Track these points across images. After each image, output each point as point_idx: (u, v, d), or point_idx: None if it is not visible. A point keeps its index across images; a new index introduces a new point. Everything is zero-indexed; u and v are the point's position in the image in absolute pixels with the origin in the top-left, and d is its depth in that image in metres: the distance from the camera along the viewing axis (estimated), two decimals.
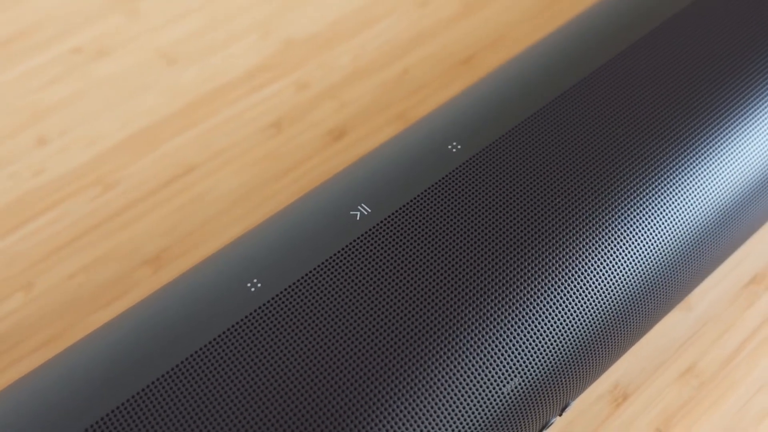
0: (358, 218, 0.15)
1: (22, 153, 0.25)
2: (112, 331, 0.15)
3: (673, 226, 0.16)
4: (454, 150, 0.16)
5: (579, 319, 0.15)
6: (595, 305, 0.15)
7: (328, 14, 0.28)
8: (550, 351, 0.14)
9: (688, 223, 0.16)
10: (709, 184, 0.17)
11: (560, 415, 0.16)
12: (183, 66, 0.27)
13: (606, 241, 0.15)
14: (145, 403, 0.13)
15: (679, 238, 0.16)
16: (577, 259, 0.15)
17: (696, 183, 0.17)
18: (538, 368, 0.14)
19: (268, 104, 0.26)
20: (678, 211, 0.16)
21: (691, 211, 0.16)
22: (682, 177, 0.16)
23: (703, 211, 0.17)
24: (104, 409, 0.13)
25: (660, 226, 0.16)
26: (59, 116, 0.26)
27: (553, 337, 0.14)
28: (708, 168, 0.17)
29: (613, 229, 0.16)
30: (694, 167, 0.17)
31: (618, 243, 0.16)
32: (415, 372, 0.13)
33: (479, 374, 0.14)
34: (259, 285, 0.14)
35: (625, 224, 0.16)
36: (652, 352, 0.20)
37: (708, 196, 0.17)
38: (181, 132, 0.25)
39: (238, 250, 0.15)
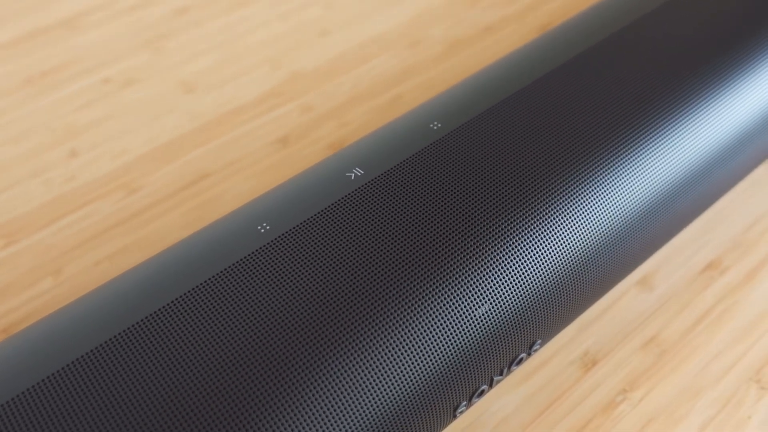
0: (352, 178, 0.18)
1: (56, 164, 0.28)
2: (129, 271, 0.17)
3: (627, 195, 0.19)
4: (434, 127, 0.19)
5: (545, 263, 0.17)
6: (560, 252, 0.18)
7: (330, 52, 0.32)
8: (516, 286, 0.17)
9: (641, 193, 0.19)
10: (661, 163, 0.20)
11: (528, 354, 0.18)
12: (201, 93, 0.30)
13: (571, 200, 0.18)
14: (155, 327, 0.15)
15: (634, 205, 0.19)
16: (540, 212, 0.18)
17: (648, 162, 0.19)
18: (505, 298, 0.17)
19: (276, 124, 0.29)
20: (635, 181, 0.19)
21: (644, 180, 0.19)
22: (636, 157, 0.19)
23: (655, 182, 0.19)
24: (114, 331, 0.15)
25: (613, 195, 0.19)
26: (90, 134, 0.29)
27: (519, 273, 0.17)
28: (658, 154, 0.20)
29: (576, 195, 0.18)
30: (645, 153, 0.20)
31: (580, 205, 0.18)
32: (397, 296, 0.16)
33: (455, 298, 0.16)
34: (267, 227, 0.17)
35: (587, 191, 0.18)
36: (619, 326, 0.22)
37: (663, 170, 0.20)
38: (198, 146, 0.28)
39: (252, 204, 0.18)
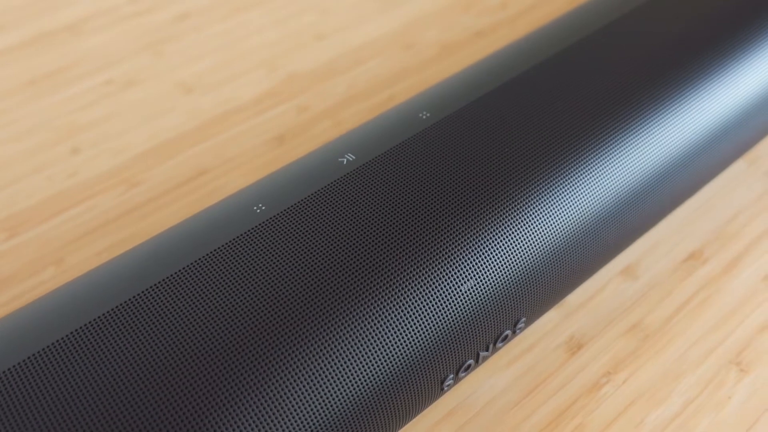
0: (344, 163, 0.19)
1: (59, 160, 0.29)
2: (132, 249, 0.18)
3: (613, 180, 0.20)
4: (423, 117, 0.20)
5: (528, 243, 0.18)
6: (543, 234, 0.18)
7: (326, 55, 0.33)
8: (500, 264, 0.18)
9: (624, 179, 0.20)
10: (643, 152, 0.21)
11: (513, 331, 0.19)
12: (200, 94, 0.31)
13: (555, 186, 0.19)
14: (154, 300, 0.16)
15: (617, 189, 0.20)
16: (524, 195, 0.18)
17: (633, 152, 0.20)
18: (490, 275, 0.17)
19: (273, 123, 0.30)
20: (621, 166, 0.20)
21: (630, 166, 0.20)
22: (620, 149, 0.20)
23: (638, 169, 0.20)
24: (114, 304, 0.16)
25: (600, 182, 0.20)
26: (92, 132, 0.30)
27: (503, 252, 0.18)
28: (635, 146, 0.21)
29: (559, 181, 0.19)
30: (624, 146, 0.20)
31: (564, 191, 0.19)
32: (384, 271, 0.17)
33: (441, 275, 0.17)
34: (263, 208, 0.18)
35: (570, 177, 0.19)
36: (603, 312, 0.23)
37: (647, 157, 0.20)
38: (197, 144, 0.29)
39: (249, 187, 0.19)
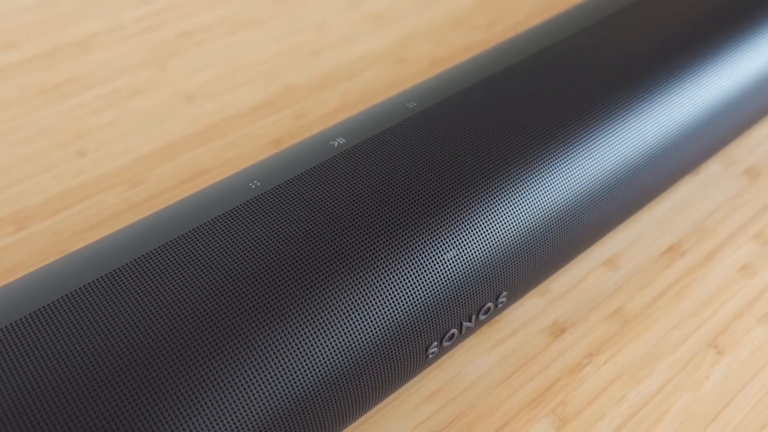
0: (335, 145, 0.20)
1: (65, 161, 0.30)
2: (140, 220, 0.19)
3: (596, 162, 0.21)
4: (410, 106, 0.21)
5: (511, 219, 0.19)
6: (526, 212, 0.19)
7: (323, 68, 0.35)
8: (482, 236, 0.19)
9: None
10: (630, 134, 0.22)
11: (495, 305, 0.20)
12: (201, 102, 0.33)
13: (536, 169, 0.20)
14: (146, 267, 0.17)
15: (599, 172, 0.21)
16: (505, 175, 0.20)
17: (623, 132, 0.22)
18: (471, 247, 0.18)
19: (270, 128, 0.31)
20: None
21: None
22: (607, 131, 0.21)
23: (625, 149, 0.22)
24: (107, 269, 0.17)
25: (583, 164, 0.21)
26: (97, 136, 0.31)
27: (485, 226, 0.19)
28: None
29: (541, 165, 0.20)
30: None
31: (545, 174, 0.20)
32: (369, 239, 0.18)
33: (423, 244, 0.18)
34: (258, 184, 0.19)
35: (553, 163, 0.20)
36: (585, 299, 0.24)
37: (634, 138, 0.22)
38: (197, 147, 0.30)
39: (248, 167, 0.20)
